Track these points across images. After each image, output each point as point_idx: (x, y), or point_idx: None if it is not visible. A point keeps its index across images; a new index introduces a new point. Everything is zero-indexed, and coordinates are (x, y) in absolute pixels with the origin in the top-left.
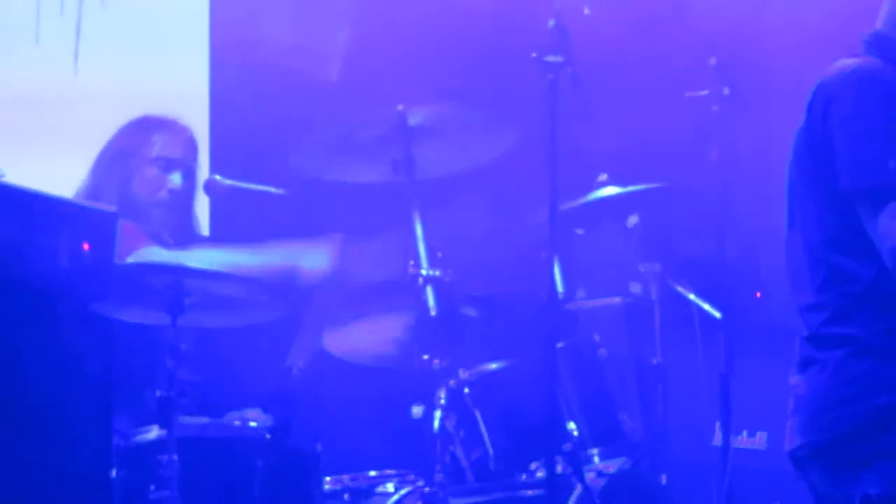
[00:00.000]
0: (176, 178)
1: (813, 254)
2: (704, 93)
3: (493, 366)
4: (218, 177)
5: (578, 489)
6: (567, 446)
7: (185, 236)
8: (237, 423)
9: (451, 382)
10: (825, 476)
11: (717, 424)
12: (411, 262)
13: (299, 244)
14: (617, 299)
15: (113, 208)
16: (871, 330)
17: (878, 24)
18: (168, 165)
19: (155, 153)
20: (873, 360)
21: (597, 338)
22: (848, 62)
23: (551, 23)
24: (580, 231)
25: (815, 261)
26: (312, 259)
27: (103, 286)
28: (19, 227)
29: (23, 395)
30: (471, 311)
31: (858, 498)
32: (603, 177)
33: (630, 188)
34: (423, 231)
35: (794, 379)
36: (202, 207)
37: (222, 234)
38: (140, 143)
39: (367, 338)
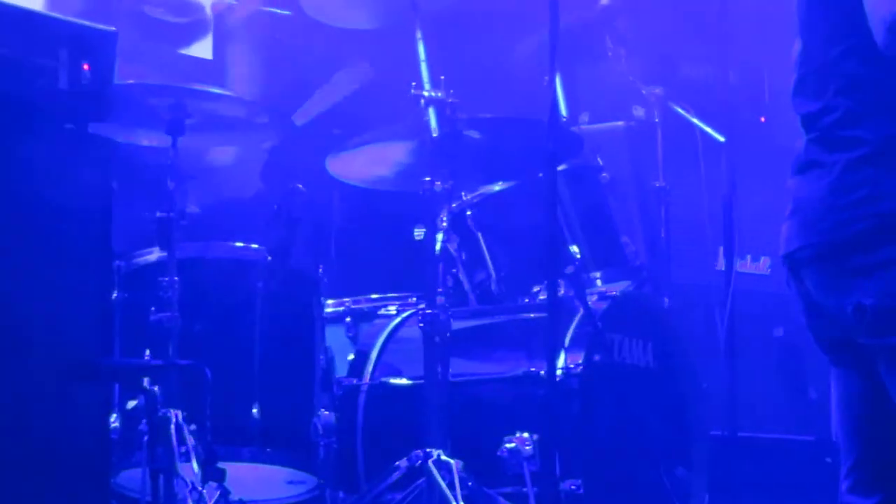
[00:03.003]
0: None
1: (826, 61)
2: None
3: (496, 188)
4: None
5: (580, 312)
6: (570, 269)
7: None
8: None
9: (454, 205)
10: (821, 281)
11: (721, 248)
12: (413, 84)
13: None
14: (620, 123)
15: (113, 28)
16: (882, 135)
17: None
18: None
19: None
20: (882, 165)
21: (600, 161)
22: None
23: None
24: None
25: (828, 67)
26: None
27: (103, 107)
28: (17, 46)
29: (21, 216)
30: (474, 134)
31: (852, 306)
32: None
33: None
34: (425, 52)
35: (793, 181)
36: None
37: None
38: None
39: (370, 161)
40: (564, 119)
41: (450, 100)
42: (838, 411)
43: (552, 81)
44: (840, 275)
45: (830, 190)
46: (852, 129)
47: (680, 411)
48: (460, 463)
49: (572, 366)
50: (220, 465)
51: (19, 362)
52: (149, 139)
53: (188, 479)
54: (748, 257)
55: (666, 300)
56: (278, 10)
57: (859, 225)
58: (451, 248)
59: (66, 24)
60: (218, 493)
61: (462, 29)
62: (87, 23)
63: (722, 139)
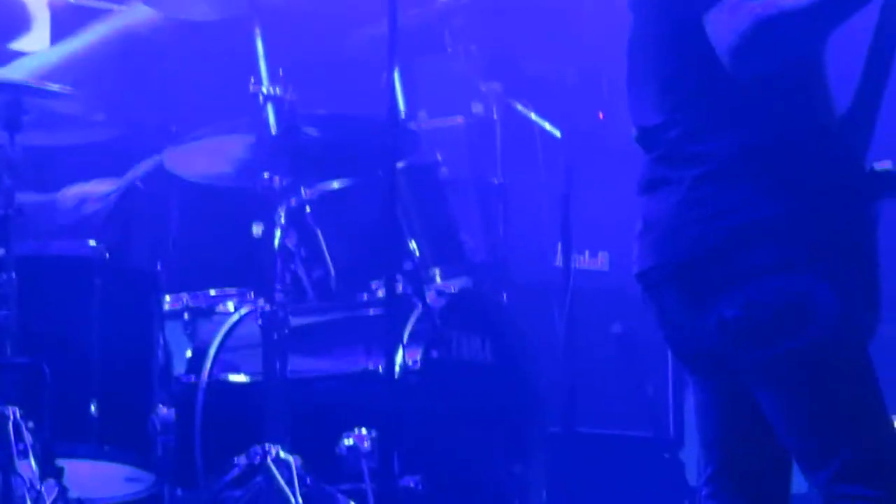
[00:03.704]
0: None
1: (664, 73)
2: None
3: (335, 185)
4: None
5: (419, 308)
6: (408, 265)
7: None
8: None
9: (293, 201)
10: (681, 298)
11: (559, 244)
12: (252, 80)
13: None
14: (459, 119)
15: None
16: (726, 148)
17: None
18: None
19: None
20: (728, 178)
21: (439, 157)
22: None
23: None
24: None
25: (666, 79)
26: (136, 13)
27: None
28: None
29: None
30: (312, 131)
31: (714, 320)
32: None
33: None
34: (263, 48)
35: (642, 199)
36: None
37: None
38: None
39: (207, 157)
40: (402, 116)
41: (288, 97)
42: (698, 419)
43: (390, 77)
44: (699, 291)
45: (680, 206)
46: (697, 144)
47: (518, 408)
48: (299, 460)
49: (410, 362)
50: (59, 462)
51: None
52: None
53: (27, 477)
54: (586, 253)
55: (505, 296)
56: (114, 7)
57: (712, 239)
58: (290, 244)
59: None
60: (56, 490)
61: (300, 23)
62: None
63: (559, 135)
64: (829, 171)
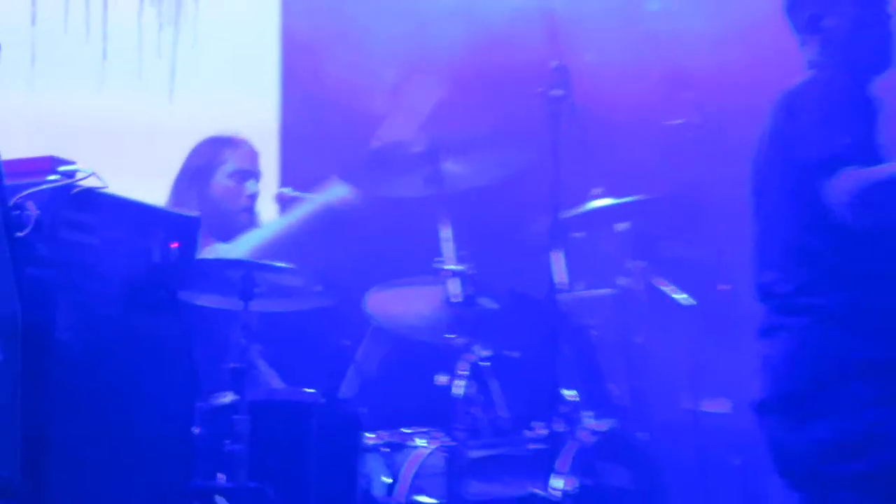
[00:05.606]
0: (252, 186)
1: (780, 237)
2: (680, 121)
3: (506, 353)
4: (288, 189)
5: (575, 443)
6: (565, 409)
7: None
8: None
9: (471, 356)
10: (785, 423)
11: (689, 391)
12: (438, 259)
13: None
14: (609, 290)
15: (196, 213)
16: (833, 301)
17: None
18: (244, 176)
19: (231, 167)
20: (836, 327)
21: (591, 321)
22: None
23: (554, 63)
24: (579, 235)
25: (783, 242)
26: (334, 193)
27: (188, 278)
28: (121, 230)
29: (124, 369)
30: (489, 303)
31: (813, 442)
32: (597, 190)
33: (620, 200)
34: (450, 233)
35: (761, 343)
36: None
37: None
38: (214, 160)
39: (404, 306)
40: (565, 287)
41: (469, 272)
42: None
43: (551, 258)
44: (803, 416)
45: (794, 348)
46: (809, 297)
47: None
48: None
49: (569, 489)
50: None
51: (121, 484)
52: (225, 304)
53: None
54: (712, 398)
55: (645, 434)
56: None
57: (820, 375)
58: (470, 391)
59: (158, 210)
60: None
61: (486, 211)
62: (174, 209)
63: (692, 303)
64: None
